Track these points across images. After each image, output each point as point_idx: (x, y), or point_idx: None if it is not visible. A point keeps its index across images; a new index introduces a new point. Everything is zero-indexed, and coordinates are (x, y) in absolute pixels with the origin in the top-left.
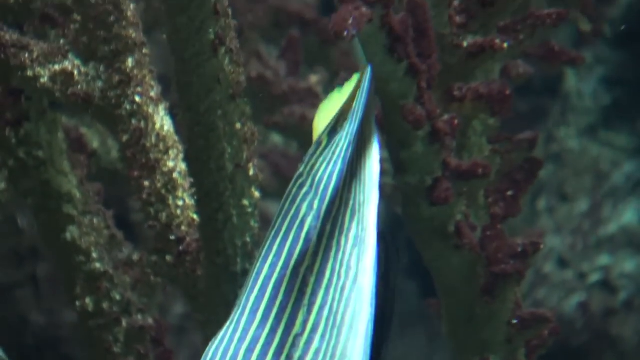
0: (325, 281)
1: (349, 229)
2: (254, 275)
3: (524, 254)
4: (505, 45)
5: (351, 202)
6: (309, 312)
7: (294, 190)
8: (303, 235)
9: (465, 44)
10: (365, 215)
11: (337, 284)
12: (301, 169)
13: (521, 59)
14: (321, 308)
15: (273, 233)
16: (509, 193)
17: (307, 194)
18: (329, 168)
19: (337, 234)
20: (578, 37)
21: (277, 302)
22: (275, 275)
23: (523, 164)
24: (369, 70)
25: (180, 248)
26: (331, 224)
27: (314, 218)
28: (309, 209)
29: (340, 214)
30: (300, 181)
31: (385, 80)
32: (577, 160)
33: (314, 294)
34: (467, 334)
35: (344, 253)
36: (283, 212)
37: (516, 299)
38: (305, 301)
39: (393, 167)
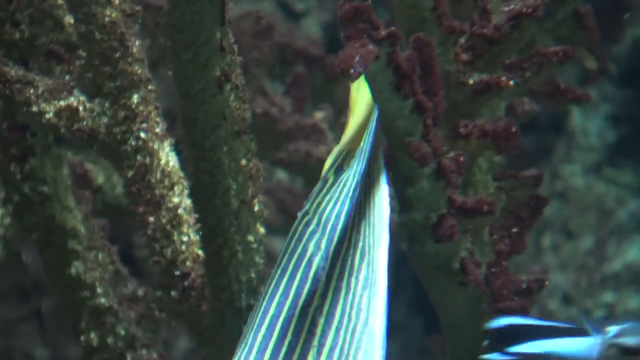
0: (336, 323)
1: (359, 271)
2: (260, 313)
3: (528, 291)
4: (512, 83)
5: (361, 244)
6: (319, 353)
7: (300, 228)
8: (311, 275)
9: (471, 81)
10: (376, 258)
11: (347, 326)
12: (307, 207)
13: (527, 97)
14: (332, 350)
15: (280, 271)
16: (514, 230)
17: (314, 232)
18: (336, 208)
19: (346, 275)
20: (584, 75)
21: (286, 342)
22: (284, 314)
23: (528, 202)
24: (376, 109)
25: (185, 284)
26: (340, 265)
27: (322, 258)
28: (316, 249)
29: (350, 256)
30: (306, 219)
31: (391, 118)
32: (582, 197)
33: (324, 335)
34: None
35: (354, 295)
36: (290, 251)
37: None
38: (315, 342)
39: (399, 204)
